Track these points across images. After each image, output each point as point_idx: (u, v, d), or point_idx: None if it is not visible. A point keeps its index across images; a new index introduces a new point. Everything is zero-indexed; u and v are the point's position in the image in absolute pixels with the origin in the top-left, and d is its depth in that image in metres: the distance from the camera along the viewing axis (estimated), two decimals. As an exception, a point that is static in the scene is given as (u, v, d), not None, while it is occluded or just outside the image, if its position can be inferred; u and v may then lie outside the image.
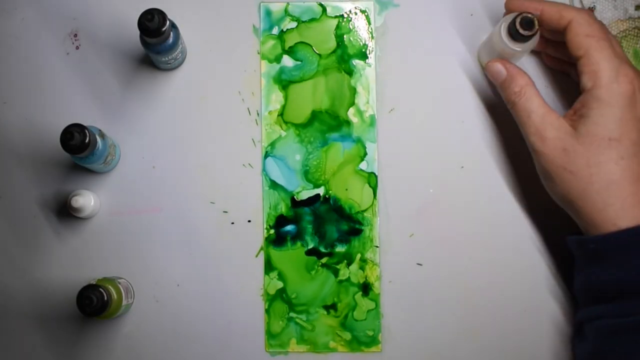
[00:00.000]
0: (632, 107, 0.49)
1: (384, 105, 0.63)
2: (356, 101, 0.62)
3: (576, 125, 0.50)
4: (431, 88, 0.63)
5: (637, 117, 0.49)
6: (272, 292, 0.61)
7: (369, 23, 0.63)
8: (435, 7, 0.63)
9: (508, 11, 0.57)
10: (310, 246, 0.61)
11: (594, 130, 0.48)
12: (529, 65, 0.63)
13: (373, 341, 0.60)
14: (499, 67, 0.55)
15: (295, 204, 0.61)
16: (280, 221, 0.61)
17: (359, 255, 0.61)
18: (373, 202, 0.61)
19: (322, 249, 0.61)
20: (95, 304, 0.52)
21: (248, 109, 0.63)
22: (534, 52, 0.62)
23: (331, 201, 0.61)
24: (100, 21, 0.63)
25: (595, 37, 0.50)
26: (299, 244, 0.61)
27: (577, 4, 0.63)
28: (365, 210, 0.61)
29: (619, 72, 0.49)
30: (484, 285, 0.61)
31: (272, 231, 0.61)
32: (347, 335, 0.60)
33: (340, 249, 0.61)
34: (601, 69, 0.49)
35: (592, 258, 0.50)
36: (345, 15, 0.63)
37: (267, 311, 0.61)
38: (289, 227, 0.61)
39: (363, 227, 0.61)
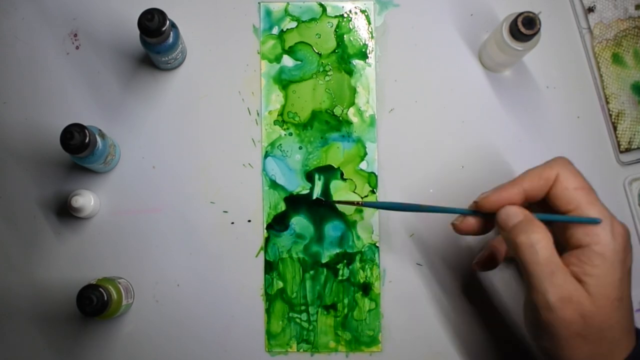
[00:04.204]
0: (627, 260, 0.47)
1: (384, 105, 0.63)
2: (356, 101, 0.62)
3: (584, 285, 0.46)
4: (431, 88, 0.63)
5: (629, 269, 0.48)
6: (272, 292, 0.61)
7: (369, 23, 0.63)
8: (435, 7, 0.63)
9: (482, 209, 0.50)
10: (310, 246, 0.61)
11: (604, 292, 0.45)
12: (530, 65, 0.63)
13: (373, 341, 0.60)
14: (514, 210, 0.48)
15: (292, 200, 0.61)
16: (279, 221, 0.61)
17: (359, 256, 0.61)
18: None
19: (322, 249, 0.61)
20: (95, 304, 0.52)
21: (248, 109, 0.63)
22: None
23: (329, 200, 0.61)
24: (100, 21, 0.63)
25: (585, 190, 0.48)
26: (298, 243, 0.61)
27: (577, 4, 0.63)
28: (364, 210, 0.61)
29: (613, 226, 0.46)
30: (484, 285, 0.61)
31: (271, 231, 0.61)
32: (347, 335, 0.60)
33: (339, 249, 0.61)
34: (599, 225, 0.46)
35: None
36: (345, 15, 0.63)
37: (267, 311, 0.61)
38: (288, 227, 0.61)
39: (359, 227, 0.61)
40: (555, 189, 0.48)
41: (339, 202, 0.60)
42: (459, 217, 0.52)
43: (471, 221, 0.52)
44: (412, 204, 0.55)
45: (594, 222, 0.46)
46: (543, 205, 0.50)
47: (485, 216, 0.51)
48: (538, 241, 0.46)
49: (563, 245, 0.48)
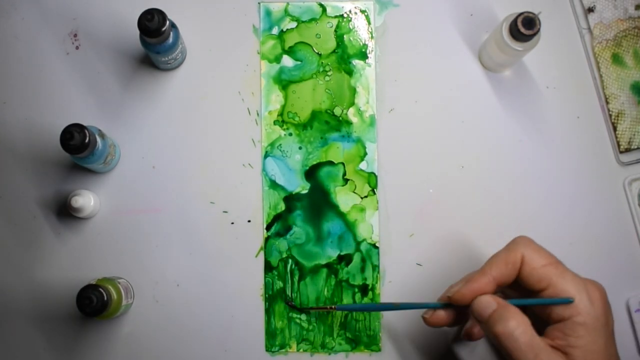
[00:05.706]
0: (609, 322, 0.48)
1: (384, 105, 0.63)
2: (356, 101, 0.62)
3: (571, 357, 0.47)
4: (431, 88, 0.63)
5: (612, 329, 0.48)
6: (272, 292, 0.61)
7: (369, 23, 0.63)
8: (435, 7, 0.63)
9: (456, 303, 0.51)
10: (310, 246, 0.61)
11: (591, 358, 0.47)
12: (530, 65, 0.63)
13: (373, 341, 0.60)
14: (487, 300, 0.49)
15: (291, 200, 0.61)
16: (279, 221, 0.61)
17: (358, 256, 0.61)
18: (373, 202, 0.61)
19: (321, 249, 0.61)
20: (95, 304, 0.52)
21: (248, 109, 0.63)
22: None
23: (329, 199, 0.61)
24: (100, 21, 0.63)
25: (552, 264, 0.48)
26: (298, 243, 0.61)
27: (577, 4, 0.63)
28: (364, 210, 0.61)
29: (589, 293, 0.47)
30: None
31: (271, 231, 0.61)
32: (347, 335, 0.60)
33: (339, 249, 0.61)
34: (574, 296, 0.47)
35: None
36: (345, 15, 0.63)
37: (267, 311, 0.61)
38: (288, 227, 0.61)
39: (359, 227, 0.61)
40: (523, 271, 0.49)
41: (312, 308, 0.60)
42: (428, 310, 0.53)
43: (442, 315, 0.52)
44: (388, 303, 0.57)
45: (567, 302, 0.47)
46: (517, 286, 0.50)
47: (459, 309, 0.52)
48: (515, 328, 0.46)
49: (546, 320, 0.48)
